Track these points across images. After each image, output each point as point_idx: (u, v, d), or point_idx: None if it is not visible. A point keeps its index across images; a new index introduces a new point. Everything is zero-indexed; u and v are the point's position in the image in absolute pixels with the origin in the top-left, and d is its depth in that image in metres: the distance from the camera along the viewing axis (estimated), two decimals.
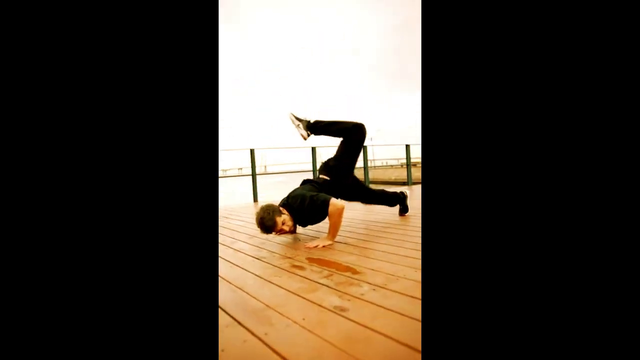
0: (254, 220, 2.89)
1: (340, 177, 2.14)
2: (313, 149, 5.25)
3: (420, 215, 2.58)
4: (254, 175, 4.83)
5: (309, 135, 2.17)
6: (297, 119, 2.19)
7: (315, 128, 2.19)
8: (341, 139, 2.17)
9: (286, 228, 1.87)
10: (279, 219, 1.84)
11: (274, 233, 1.88)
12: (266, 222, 1.82)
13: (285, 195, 2.03)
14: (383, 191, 2.54)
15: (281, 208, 1.91)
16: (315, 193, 1.90)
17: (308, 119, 2.19)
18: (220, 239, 2.14)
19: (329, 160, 2.20)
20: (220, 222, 2.85)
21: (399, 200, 2.60)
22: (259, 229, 1.88)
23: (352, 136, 2.14)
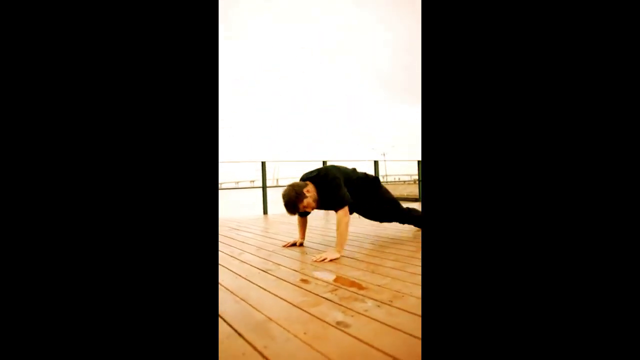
0: (263, 233, 2.91)
1: (368, 193, 2.25)
2: (324, 163, 5.27)
3: None
4: (264, 187, 4.86)
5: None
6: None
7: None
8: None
9: (309, 209, 2.01)
10: (304, 202, 1.95)
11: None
12: (296, 198, 1.92)
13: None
14: (408, 210, 2.46)
15: (307, 183, 2.02)
16: (342, 185, 2.02)
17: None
18: (228, 250, 2.14)
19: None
20: (230, 234, 2.86)
21: (414, 221, 2.48)
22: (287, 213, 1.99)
23: (404, 217, 2.44)
